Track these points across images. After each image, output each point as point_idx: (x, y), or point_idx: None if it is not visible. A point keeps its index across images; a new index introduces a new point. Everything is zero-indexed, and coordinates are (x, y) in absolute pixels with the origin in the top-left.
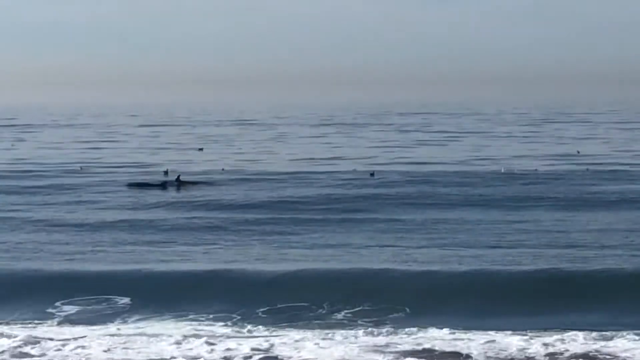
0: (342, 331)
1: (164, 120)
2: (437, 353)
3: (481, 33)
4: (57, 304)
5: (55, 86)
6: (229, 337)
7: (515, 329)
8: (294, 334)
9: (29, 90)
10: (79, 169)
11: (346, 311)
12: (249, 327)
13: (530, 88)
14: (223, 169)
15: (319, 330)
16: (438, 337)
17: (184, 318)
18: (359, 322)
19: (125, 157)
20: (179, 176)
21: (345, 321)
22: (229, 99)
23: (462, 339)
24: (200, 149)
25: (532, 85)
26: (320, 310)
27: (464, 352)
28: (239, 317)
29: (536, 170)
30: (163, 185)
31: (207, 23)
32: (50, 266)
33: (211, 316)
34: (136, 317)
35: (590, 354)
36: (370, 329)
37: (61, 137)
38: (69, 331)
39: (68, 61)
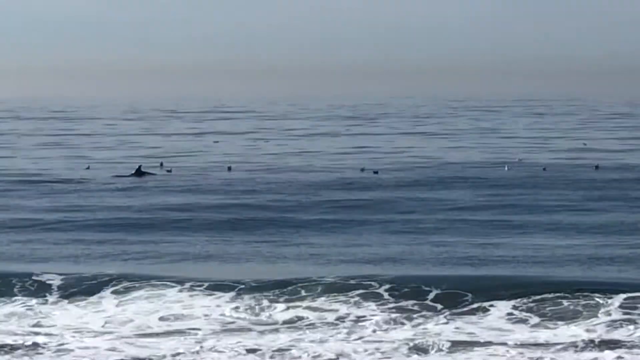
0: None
1: (169, 110)
2: None
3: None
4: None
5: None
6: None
7: None
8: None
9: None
10: (87, 167)
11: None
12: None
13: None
14: (230, 167)
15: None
16: None
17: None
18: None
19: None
20: (139, 167)
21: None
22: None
23: None
24: (216, 142)
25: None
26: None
27: None
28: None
29: (544, 169)
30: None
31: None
32: None
33: (206, 284)
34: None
35: None
36: None
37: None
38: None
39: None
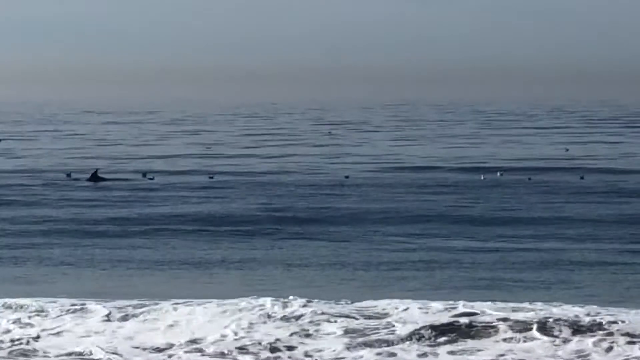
0: None
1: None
2: None
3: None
4: None
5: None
6: None
7: None
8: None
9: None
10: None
11: None
12: None
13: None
14: (211, 176)
15: None
16: None
17: None
18: None
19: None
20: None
21: None
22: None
23: None
24: (208, 148)
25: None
26: None
27: None
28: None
29: (530, 179)
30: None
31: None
32: None
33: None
34: None
35: None
36: None
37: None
38: None
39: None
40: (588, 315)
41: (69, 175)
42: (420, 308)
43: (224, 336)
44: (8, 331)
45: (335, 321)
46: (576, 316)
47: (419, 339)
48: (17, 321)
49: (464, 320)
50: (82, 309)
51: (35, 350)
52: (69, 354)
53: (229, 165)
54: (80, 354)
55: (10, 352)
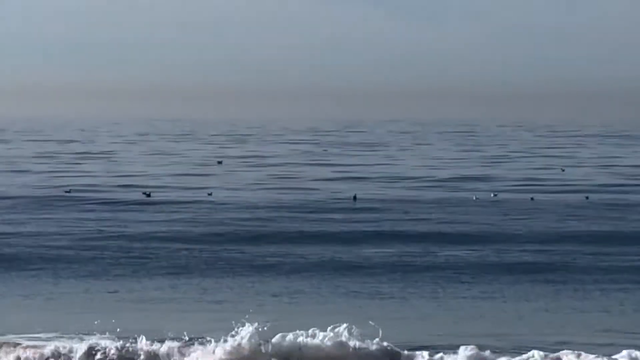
0: None
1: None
2: None
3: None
4: None
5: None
6: None
7: None
8: None
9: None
10: (68, 191)
11: None
12: None
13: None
14: (210, 193)
15: None
16: None
17: None
18: None
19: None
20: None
21: None
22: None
23: None
24: (219, 162)
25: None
26: None
27: None
28: None
29: (532, 199)
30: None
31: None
32: None
33: None
34: None
35: None
36: None
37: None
38: None
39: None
40: None
41: None
42: None
43: None
44: None
45: None
46: None
47: None
48: None
49: None
50: None
51: None
52: None
53: None
54: None
55: None
